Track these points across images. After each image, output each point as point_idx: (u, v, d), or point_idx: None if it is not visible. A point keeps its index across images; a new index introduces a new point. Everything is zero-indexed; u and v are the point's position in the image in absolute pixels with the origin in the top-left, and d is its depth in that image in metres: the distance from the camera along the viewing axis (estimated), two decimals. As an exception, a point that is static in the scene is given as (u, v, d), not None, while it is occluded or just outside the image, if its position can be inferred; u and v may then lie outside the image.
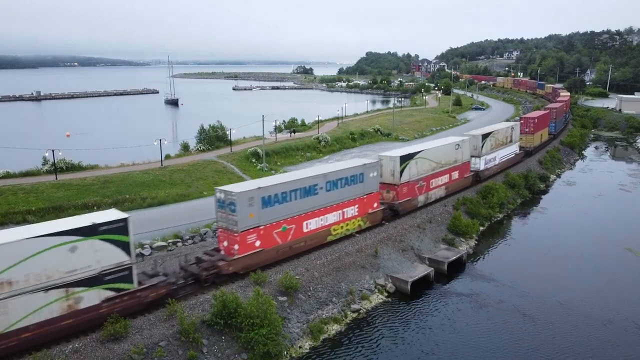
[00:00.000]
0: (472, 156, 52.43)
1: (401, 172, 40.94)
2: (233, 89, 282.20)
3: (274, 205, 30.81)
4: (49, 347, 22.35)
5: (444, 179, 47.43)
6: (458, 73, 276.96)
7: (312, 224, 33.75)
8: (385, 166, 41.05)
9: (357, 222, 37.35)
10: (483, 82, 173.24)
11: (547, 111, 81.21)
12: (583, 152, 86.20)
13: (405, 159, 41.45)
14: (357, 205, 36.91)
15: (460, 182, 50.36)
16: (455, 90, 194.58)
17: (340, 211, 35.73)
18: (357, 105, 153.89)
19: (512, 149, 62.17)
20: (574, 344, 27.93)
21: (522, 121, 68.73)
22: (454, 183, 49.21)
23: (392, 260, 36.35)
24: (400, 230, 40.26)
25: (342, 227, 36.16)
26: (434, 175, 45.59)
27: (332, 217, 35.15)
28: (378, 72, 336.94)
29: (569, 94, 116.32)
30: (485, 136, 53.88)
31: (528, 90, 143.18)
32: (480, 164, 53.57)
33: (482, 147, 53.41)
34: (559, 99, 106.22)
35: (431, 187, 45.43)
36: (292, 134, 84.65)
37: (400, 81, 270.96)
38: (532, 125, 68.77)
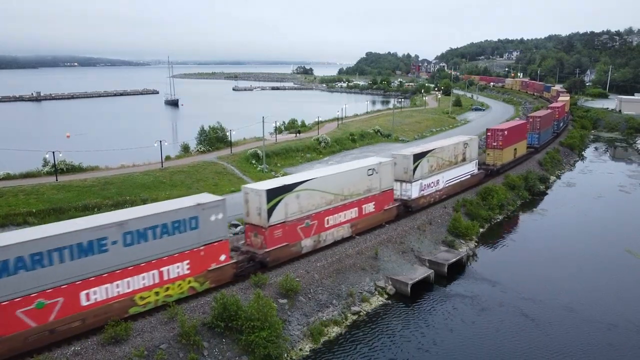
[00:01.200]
0: (401, 181, 43.41)
1: (271, 209, 31.14)
2: (233, 89, 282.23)
3: (18, 273, 21.15)
4: (50, 349, 22.42)
5: (350, 214, 37.23)
6: (459, 74, 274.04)
7: (97, 294, 23.86)
8: (251, 201, 31.72)
9: (187, 285, 27.43)
10: (492, 83, 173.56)
11: (525, 121, 72.44)
12: (583, 153, 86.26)
13: (279, 192, 31.62)
14: (187, 261, 27.18)
15: (378, 216, 40.00)
16: (455, 91, 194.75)
17: (154, 271, 25.85)
18: (357, 105, 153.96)
19: (467, 169, 52.21)
20: (575, 346, 27.98)
21: (488, 133, 59.60)
22: (367, 218, 38.88)
23: (392, 262, 36.41)
24: (401, 232, 40.32)
25: (156, 294, 26.19)
26: (331, 211, 35.42)
27: (137, 281, 25.34)
28: (378, 73, 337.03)
29: (567, 98, 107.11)
30: (419, 156, 43.79)
31: (535, 93, 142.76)
32: (411, 191, 43.41)
33: (415, 169, 43.24)
34: (550, 105, 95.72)
35: (327, 226, 35.43)
36: (298, 134, 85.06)
37: (400, 82, 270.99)
38: (501, 138, 58.73)
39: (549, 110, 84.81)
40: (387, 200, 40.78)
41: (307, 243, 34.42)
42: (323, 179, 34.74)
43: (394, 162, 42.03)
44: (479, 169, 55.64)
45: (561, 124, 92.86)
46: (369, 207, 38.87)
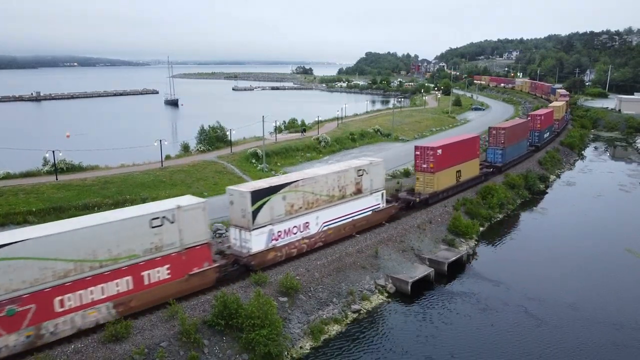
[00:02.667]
0: (239, 228, 30.88)
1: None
2: (233, 89, 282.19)
3: None
4: (50, 347, 22.43)
5: (113, 287, 24.43)
6: (464, 76, 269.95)
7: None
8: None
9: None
10: (502, 84, 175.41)
11: (476, 134, 58.20)
12: (582, 152, 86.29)
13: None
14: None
15: (173, 287, 26.70)
16: (454, 91, 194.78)
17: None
18: (356, 105, 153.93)
19: (365, 204, 38.92)
20: (575, 345, 28.01)
21: (417, 152, 46.83)
22: (149, 292, 25.83)
23: (393, 260, 36.43)
24: (401, 230, 40.35)
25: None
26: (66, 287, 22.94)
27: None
28: (378, 73, 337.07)
29: (560, 104, 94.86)
30: (267, 192, 30.92)
31: (543, 96, 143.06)
32: (252, 243, 30.41)
33: (258, 211, 30.35)
34: (532, 112, 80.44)
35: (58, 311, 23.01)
36: (303, 132, 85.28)
37: (400, 81, 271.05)
38: (432, 158, 45.66)
39: (523, 120, 73.46)
40: (200, 260, 27.74)
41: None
42: (45, 240, 22.34)
43: (231, 201, 31.11)
44: (396, 201, 44.29)
45: (545, 135, 77.41)
46: (161, 272, 26.05)
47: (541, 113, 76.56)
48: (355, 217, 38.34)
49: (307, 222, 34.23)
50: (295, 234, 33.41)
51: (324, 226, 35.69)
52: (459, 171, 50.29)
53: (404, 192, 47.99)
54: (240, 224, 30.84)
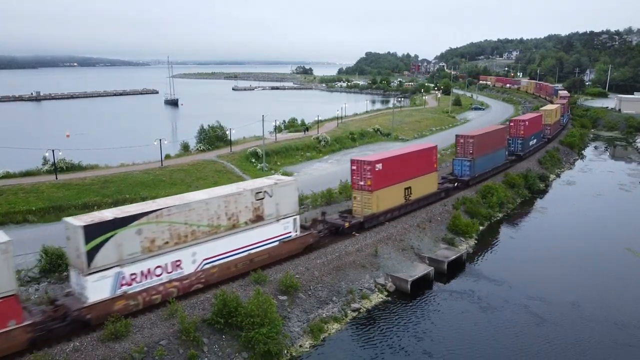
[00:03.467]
0: (77, 271, 24.46)
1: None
2: (233, 89, 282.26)
3: None
4: (50, 345, 22.41)
5: None
6: (467, 76, 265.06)
7: None
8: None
9: None
10: (508, 85, 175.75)
11: (433, 145, 47.75)
12: (582, 152, 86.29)
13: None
14: None
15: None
16: (454, 90, 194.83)
17: None
18: (356, 105, 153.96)
19: (269, 234, 32.15)
20: (574, 343, 27.99)
21: (353, 167, 39.57)
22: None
23: (392, 259, 36.41)
24: (400, 229, 40.32)
25: None
26: None
27: None
28: (378, 72, 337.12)
29: (553, 107, 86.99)
30: (110, 226, 24.22)
31: (547, 98, 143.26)
32: (88, 291, 23.97)
33: (99, 251, 23.88)
34: (516, 118, 73.05)
35: None
36: (305, 132, 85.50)
37: (400, 81, 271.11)
38: (371, 174, 38.76)
39: (498, 127, 64.79)
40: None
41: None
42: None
43: (67, 236, 24.58)
44: (322, 225, 37.57)
45: (532, 142, 68.59)
46: None
47: (526, 118, 69.11)
48: (254, 250, 31.08)
49: (177, 261, 27.16)
50: (159, 275, 26.40)
51: (205, 264, 28.57)
52: (408, 188, 42.82)
53: (336, 214, 40.65)
54: (76, 266, 24.30)
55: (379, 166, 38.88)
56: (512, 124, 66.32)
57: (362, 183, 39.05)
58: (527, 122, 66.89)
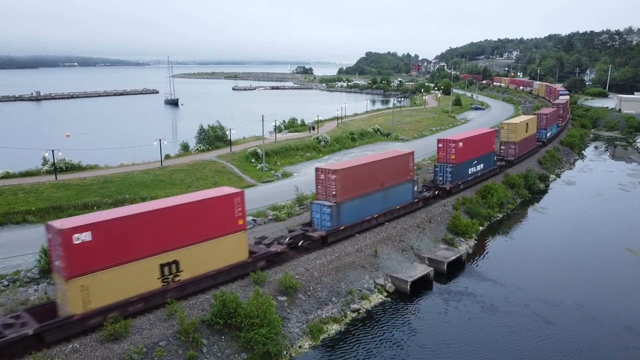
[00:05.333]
0: None
1: None
2: (233, 89, 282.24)
3: None
4: (49, 347, 22.38)
5: None
6: (477, 77, 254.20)
7: None
8: None
9: None
10: (521, 87, 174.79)
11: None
12: (582, 152, 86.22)
13: None
14: None
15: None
16: (454, 90, 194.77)
17: None
18: (356, 105, 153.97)
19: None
20: (575, 343, 27.95)
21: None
22: None
23: (392, 260, 36.38)
24: (400, 230, 40.30)
25: None
26: None
27: None
28: (378, 72, 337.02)
29: (520, 119, 68.70)
30: None
31: (551, 100, 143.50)
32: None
33: None
34: (447, 137, 51.55)
35: None
36: (312, 130, 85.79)
37: (400, 81, 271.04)
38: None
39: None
40: None
41: None
42: None
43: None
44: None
45: (472, 169, 52.89)
46: None
47: (461, 137, 51.34)
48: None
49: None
50: None
51: None
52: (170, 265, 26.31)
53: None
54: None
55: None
56: (440, 145, 50.13)
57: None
58: (461, 143, 49.67)
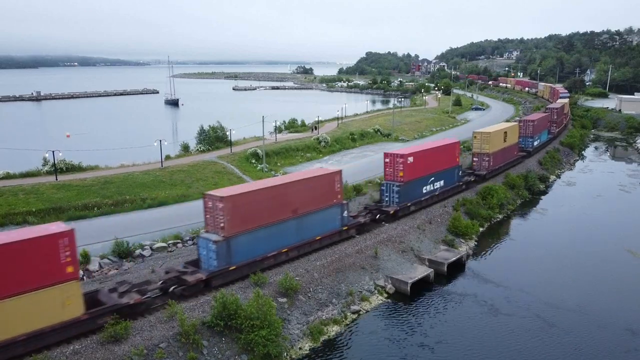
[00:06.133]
0: None
1: None
2: (233, 89, 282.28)
3: None
4: (49, 348, 22.40)
5: None
6: (480, 77, 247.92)
7: None
8: None
9: None
10: (527, 88, 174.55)
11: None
12: (583, 152, 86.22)
13: None
14: None
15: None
16: (455, 90, 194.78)
17: None
18: (357, 105, 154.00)
19: None
20: (576, 345, 27.96)
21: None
22: None
23: (392, 261, 36.40)
24: (400, 231, 40.31)
25: None
26: None
27: None
28: (378, 72, 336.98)
29: (505, 125, 63.54)
30: None
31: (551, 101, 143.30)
32: None
33: None
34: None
35: None
36: (314, 129, 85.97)
37: (400, 81, 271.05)
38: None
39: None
40: None
41: None
42: None
43: None
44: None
45: (452, 178, 49.40)
46: None
47: (421, 150, 45.28)
48: None
49: None
50: None
51: None
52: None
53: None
54: None
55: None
56: (386, 159, 43.51)
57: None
58: (410, 158, 42.74)
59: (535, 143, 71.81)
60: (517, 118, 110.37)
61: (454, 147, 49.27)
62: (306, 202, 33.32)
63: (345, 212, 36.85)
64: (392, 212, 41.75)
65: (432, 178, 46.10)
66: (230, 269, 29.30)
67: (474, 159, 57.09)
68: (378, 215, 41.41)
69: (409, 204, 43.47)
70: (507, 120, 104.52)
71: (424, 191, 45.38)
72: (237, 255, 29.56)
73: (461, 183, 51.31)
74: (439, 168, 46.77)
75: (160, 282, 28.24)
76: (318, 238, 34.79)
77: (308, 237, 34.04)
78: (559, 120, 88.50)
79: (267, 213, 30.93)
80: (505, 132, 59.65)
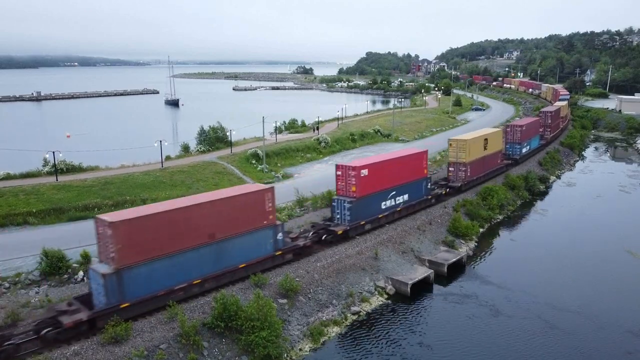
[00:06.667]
0: None
1: None
2: (233, 89, 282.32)
3: None
4: (50, 349, 22.44)
5: None
6: (490, 78, 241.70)
7: None
8: None
9: None
10: (530, 90, 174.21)
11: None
12: (583, 153, 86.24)
13: None
14: None
15: None
16: (455, 91, 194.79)
17: None
18: (357, 105, 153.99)
19: None
20: (574, 346, 27.98)
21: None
22: None
23: (392, 262, 36.43)
24: (400, 232, 40.34)
25: None
26: None
27: None
28: (378, 73, 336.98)
29: (497, 129, 63.57)
30: None
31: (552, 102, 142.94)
32: None
33: None
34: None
35: None
36: (316, 130, 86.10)
37: (401, 81, 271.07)
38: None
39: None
40: None
41: None
42: None
43: None
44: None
45: (419, 192, 44.77)
46: None
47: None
48: None
49: None
50: None
51: None
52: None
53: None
54: None
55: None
56: (338, 172, 38.55)
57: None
58: (365, 171, 37.95)
59: (524, 150, 66.77)
60: (517, 118, 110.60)
61: (420, 157, 44.55)
62: (227, 225, 28.83)
63: (280, 234, 32.11)
64: (339, 232, 36.70)
65: (393, 192, 41.19)
66: (122, 306, 24.80)
67: (450, 168, 52.15)
68: (325, 236, 36.49)
69: (363, 223, 38.38)
70: (507, 121, 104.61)
71: (383, 207, 40.39)
72: (132, 291, 25.15)
73: (430, 197, 46.24)
74: (402, 181, 41.85)
75: (35, 323, 24.01)
76: (242, 266, 30.01)
77: (230, 265, 29.33)
78: (554, 124, 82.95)
79: (174, 239, 26.50)
80: (486, 139, 54.66)
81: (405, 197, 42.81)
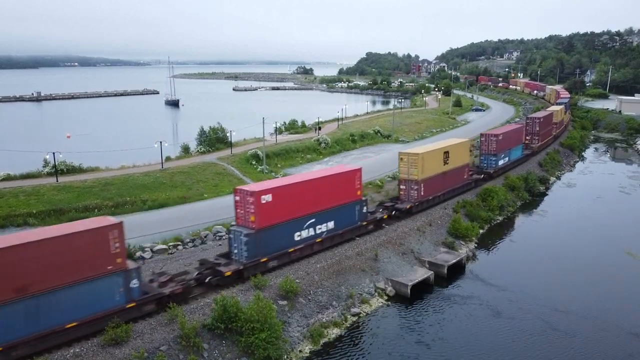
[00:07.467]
0: None
1: None
2: (233, 90, 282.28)
3: None
4: (50, 351, 22.45)
5: None
6: (499, 79, 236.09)
7: None
8: None
9: None
10: (535, 91, 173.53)
11: None
12: (583, 153, 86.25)
13: None
14: None
15: None
16: (455, 91, 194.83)
17: None
18: (357, 105, 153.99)
19: None
20: (574, 347, 27.99)
21: None
22: None
23: (392, 263, 36.44)
24: (400, 233, 40.34)
25: None
26: None
27: None
28: (378, 73, 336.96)
29: (463, 139, 52.56)
30: None
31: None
32: None
33: None
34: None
35: None
36: (317, 130, 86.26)
37: (401, 82, 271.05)
38: None
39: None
40: None
41: None
42: None
43: None
44: None
45: (350, 218, 37.49)
46: None
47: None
48: None
49: None
50: None
51: None
52: None
53: None
54: None
55: None
56: (237, 197, 31.09)
57: None
58: (267, 196, 30.39)
59: (501, 162, 58.27)
60: (517, 119, 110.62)
61: (351, 177, 36.72)
62: (48, 272, 22.22)
63: (135, 280, 25.14)
64: (227, 273, 29.13)
65: (312, 220, 33.85)
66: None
67: (401, 186, 44.61)
68: (209, 278, 29.02)
69: (265, 259, 31.06)
70: (508, 122, 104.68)
71: (297, 239, 33.07)
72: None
73: (366, 222, 38.67)
74: (324, 206, 34.56)
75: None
76: (71, 325, 23.05)
77: (52, 326, 22.57)
78: (545, 131, 74.25)
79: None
80: (447, 152, 46.84)
81: (330, 224, 35.36)
